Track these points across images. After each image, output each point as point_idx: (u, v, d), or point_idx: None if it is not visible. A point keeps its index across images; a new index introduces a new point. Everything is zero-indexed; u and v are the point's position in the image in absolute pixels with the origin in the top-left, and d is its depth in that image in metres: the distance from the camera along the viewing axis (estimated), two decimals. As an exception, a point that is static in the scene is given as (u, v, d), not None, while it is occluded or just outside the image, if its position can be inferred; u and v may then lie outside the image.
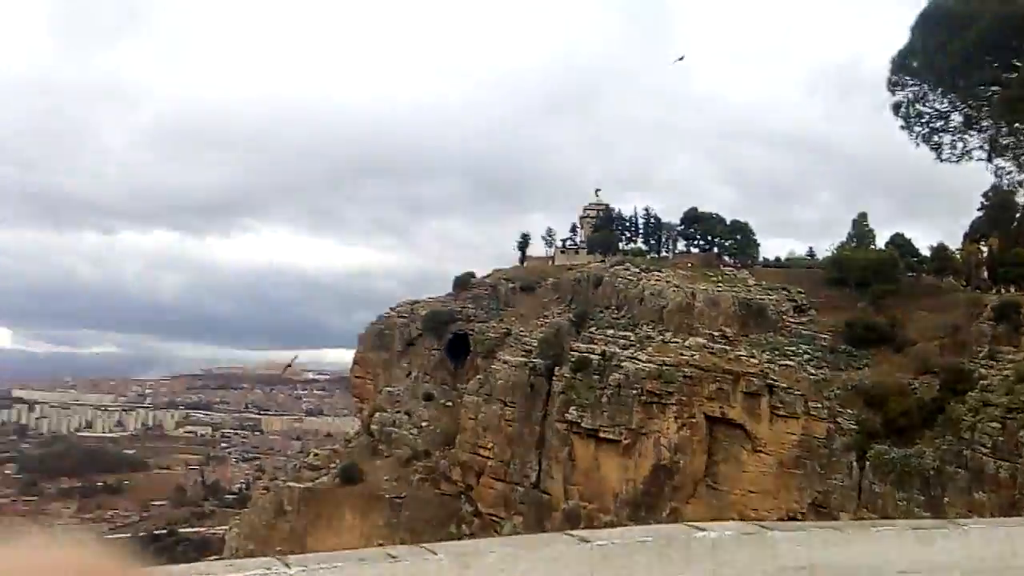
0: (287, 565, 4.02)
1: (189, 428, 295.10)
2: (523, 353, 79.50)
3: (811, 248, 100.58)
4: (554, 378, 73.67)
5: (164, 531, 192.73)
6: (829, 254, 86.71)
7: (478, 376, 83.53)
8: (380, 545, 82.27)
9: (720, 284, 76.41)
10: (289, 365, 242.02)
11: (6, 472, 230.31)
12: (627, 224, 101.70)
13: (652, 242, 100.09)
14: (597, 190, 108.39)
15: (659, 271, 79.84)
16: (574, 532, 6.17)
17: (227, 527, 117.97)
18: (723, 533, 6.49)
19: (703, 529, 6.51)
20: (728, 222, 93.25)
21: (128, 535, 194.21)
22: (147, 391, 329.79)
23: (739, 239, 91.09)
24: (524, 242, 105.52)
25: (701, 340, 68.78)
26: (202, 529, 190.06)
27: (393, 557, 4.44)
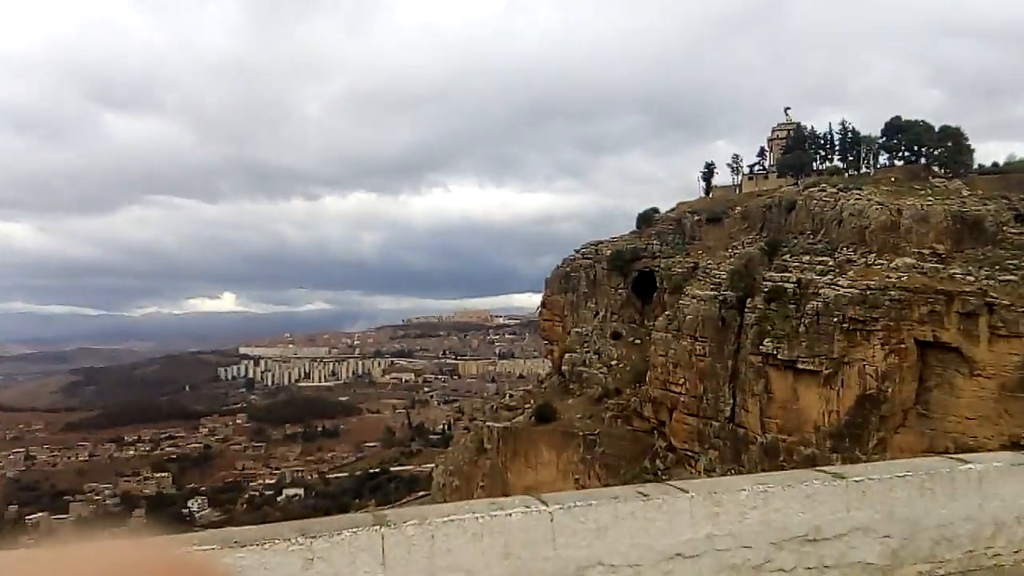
0: (544, 503, 4.15)
1: (394, 375, 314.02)
2: (712, 286, 77.10)
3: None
4: (746, 310, 70.98)
5: (377, 470, 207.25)
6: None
7: (666, 312, 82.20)
8: (576, 480, 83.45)
9: (929, 197, 69.86)
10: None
11: (238, 421, 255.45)
12: (821, 142, 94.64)
13: (850, 158, 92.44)
14: (787, 109, 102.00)
15: (859, 189, 74.04)
16: (827, 468, 6.04)
17: (433, 465, 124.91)
18: (991, 465, 6.17)
19: (968, 461, 6.23)
20: (936, 129, 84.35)
21: (346, 474, 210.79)
22: (355, 342, 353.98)
23: (950, 146, 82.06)
24: (709, 172, 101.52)
25: (909, 260, 63.57)
26: (410, 467, 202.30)
27: (644, 495, 4.50)
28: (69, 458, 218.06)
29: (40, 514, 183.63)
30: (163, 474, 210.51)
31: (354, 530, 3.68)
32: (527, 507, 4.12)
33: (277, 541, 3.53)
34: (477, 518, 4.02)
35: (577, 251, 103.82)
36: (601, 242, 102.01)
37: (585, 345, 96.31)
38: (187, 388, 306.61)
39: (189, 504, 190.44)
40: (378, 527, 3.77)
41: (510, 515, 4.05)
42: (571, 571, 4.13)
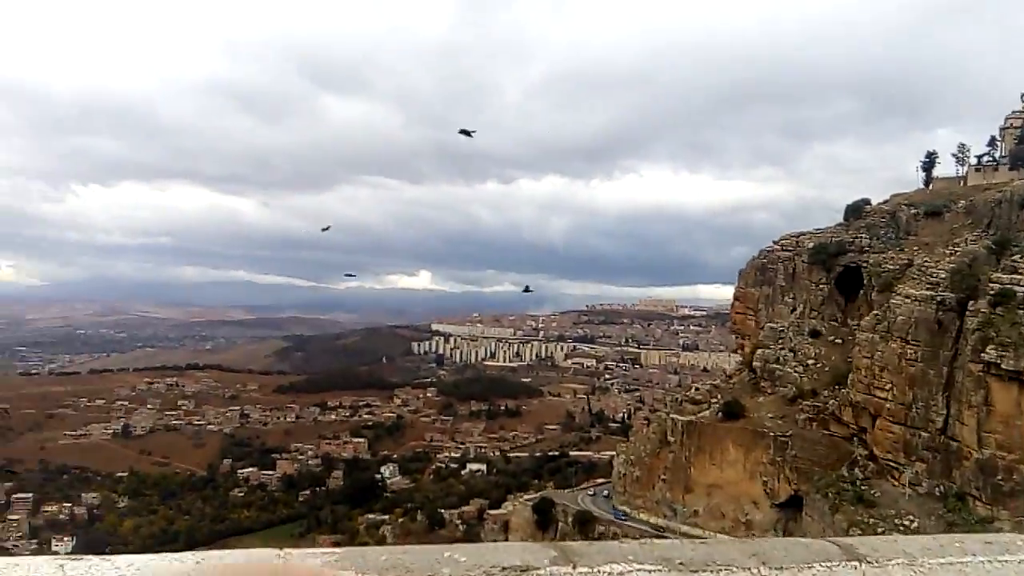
0: None
1: (576, 360, 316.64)
2: (928, 286, 71.20)
3: None
4: (967, 314, 65.01)
5: (556, 453, 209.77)
6: None
7: (874, 312, 76.88)
8: (765, 482, 79.94)
9: None
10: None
11: (428, 394, 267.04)
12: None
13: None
14: (1023, 95, 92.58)
15: (1108, 184, 65.86)
16: None
17: (613, 453, 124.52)
18: None
19: None
20: None
21: (526, 455, 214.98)
22: (540, 326, 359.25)
23: None
24: (929, 161, 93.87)
25: None
26: (589, 453, 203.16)
27: None
28: (278, 419, 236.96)
29: (251, 469, 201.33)
30: (360, 439, 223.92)
31: (828, 565, 3.07)
32: None
33: (734, 569, 3.01)
34: (983, 564, 3.26)
35: (776, 243, 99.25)
36: (803, 234, 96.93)
37: (780, 342, 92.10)
38: (384, 359, 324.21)
39: (382, 470, 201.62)
40: (856, 563, 3.11)
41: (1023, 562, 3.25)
42: None
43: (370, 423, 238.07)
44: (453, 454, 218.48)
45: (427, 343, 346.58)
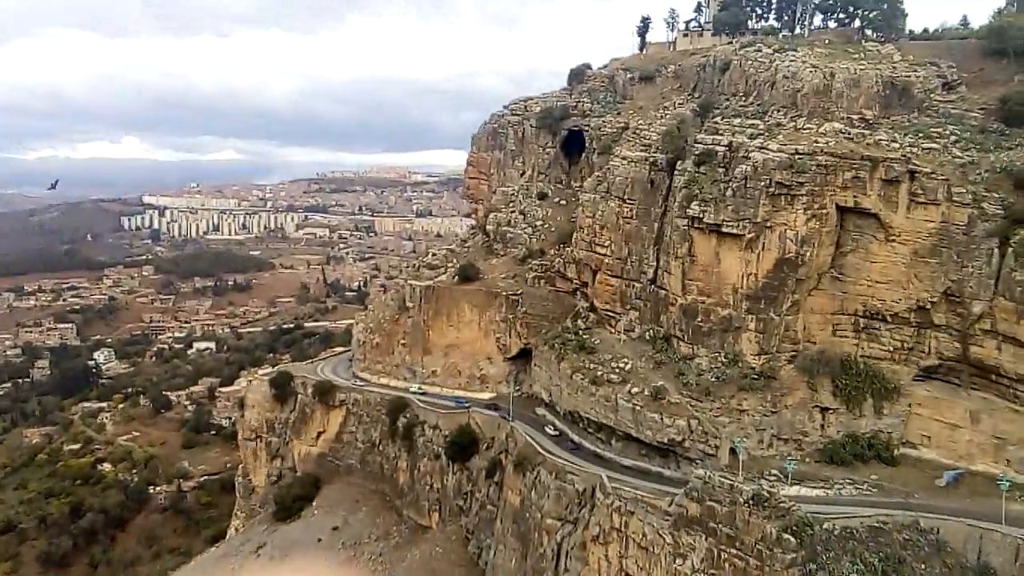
0: None
1: (308, 230, 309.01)
2: (643, 148, 76.00)
3: (965, 16, 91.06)
4: (676, 173, 70.34)
5: (291, 325, 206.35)
6: (988, 22, 77.44)
7: (596, 173, 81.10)
8: (498, 339, 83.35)
9: (862, 62, 69.31)
10: None
11: (144, 273, 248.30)
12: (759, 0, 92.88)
13: (786, 18, 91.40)
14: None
15: (794, 51, 73.00)
16: None
17: (351, 321, 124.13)
18: None
19: None
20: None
21: (259, 329, 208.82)
22: (267, 196, 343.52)
23: (885, 9, 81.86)
24: (644, 26, 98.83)
25: (838, 125, 63.57)
26: (326, 323, 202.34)
27: None
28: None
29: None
30: (67, 325, 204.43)
31: None
32: None
33: None
34: None
35: (505, 107, 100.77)
36: (531, 99, 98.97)
37: (511, 205, 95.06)
38: (89, 237, 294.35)
39: (95, 356, 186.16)
40: None
41: None
42: None
43: (78, 307, 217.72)
44: (177, 334, 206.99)
45: (139, 217, 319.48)
